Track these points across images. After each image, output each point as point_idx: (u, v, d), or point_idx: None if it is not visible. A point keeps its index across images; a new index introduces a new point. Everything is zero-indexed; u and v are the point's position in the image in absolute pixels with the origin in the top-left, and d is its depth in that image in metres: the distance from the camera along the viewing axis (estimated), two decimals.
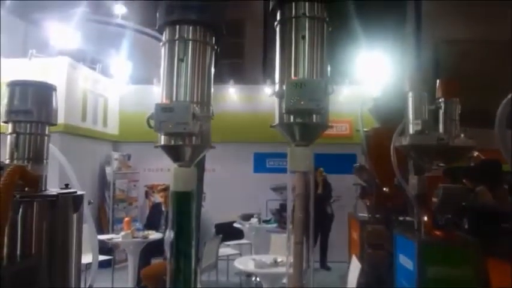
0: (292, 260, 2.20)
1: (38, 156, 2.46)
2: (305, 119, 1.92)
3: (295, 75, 1.94)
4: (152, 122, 1.91)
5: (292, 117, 1.94)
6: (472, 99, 5.00)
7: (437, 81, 4.73)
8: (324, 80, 1.96)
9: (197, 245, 2.21)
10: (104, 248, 5.10)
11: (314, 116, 1.93)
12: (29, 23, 9.67)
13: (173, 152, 2.03)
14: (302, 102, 1.83)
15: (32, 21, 9.52)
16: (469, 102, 4.75)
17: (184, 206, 2.00)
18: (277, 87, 2.04)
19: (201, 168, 2.19)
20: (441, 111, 4.57)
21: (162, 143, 2.02)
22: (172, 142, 1.99)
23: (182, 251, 2.06)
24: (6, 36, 7.88)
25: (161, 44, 2.15)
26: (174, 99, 2.01)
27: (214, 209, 5.28)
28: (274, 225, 6.62)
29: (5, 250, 2.06)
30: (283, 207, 7.17)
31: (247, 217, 6.59)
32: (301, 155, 1.96)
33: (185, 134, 1.93)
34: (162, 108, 1.90)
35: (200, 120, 1.96)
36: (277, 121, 2.02)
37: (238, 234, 6.81)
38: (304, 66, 1.95)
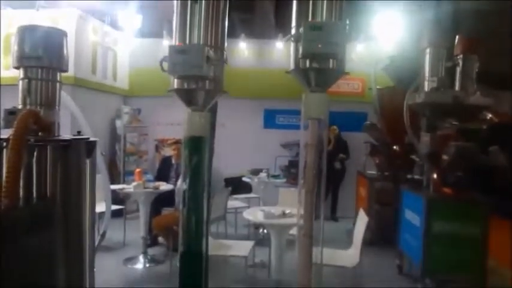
0: (302, 212, 2.22)
1: (50, 102, 2.44)
2: (321, 64, 1.88)
3: (312, 18, 1.87)
4: (165, 65, 1.88)
5: (308, 62, 1.88)
6: (489, 60, 4.83)
7: (456, 37, 4.56)
8: (343, 22, 1.89)
9: (208, 195, 2.22)
10: (116, 198, 5.19)
11: (331, 61, 1.88)
12: None
13: (186, 95, 2.01)
14: (319, 45, 1.77)
15: None
16: (487, 63, 4.60)
17: (198, 150, 1.99)
18: (293, 30, 1.97)
19: (213, 114, 2.18)
20: (458, 68, 4.44)
21: (175, 86, 1.99)
22: (186, 86, 1.96)
23: (195, 196, 2.09)
24: None
25: None
26: (187, 41, 1.96)
27: (223, 164, 5.32)
28: (283, 180, 6.67)
29: (21, 192, 2.10)
30: (292, 164, 7.20)
31: (256, 172, 6.62)
32: (316, 101, 1.93)
33: (198, 78, 1.90)
34: (176, 51, 1.86)
35: (214, 64, 1.92)
36: (292, 67, 1.97)
37: (247, 188, 6.89)
38: (322, 8, 1.88)
